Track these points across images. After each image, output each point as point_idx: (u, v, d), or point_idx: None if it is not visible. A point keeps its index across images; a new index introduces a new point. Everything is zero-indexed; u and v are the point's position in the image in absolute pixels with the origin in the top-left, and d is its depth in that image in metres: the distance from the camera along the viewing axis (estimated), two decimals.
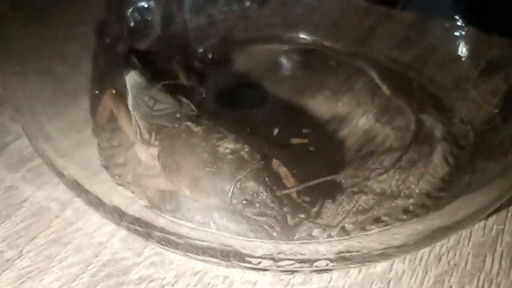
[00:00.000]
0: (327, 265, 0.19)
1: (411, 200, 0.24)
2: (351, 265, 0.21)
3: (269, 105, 0.29)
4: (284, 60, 0.32)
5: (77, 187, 0.22)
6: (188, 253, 0.20)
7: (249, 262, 0.19)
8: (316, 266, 0.19)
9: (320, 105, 0.29)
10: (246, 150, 0.21)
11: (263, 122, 0.25)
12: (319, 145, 0.26)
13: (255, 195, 0.20)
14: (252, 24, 0.33)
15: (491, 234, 0.24)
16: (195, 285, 0.21)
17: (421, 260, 0.23)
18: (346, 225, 0.22)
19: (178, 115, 0.22)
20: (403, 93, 0.30)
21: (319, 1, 0.34)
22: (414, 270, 0.22)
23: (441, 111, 0.29)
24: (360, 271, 0.22)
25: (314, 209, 0.22)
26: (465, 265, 0.23)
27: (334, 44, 0.32)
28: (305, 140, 0.25)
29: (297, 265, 0.19)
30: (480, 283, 0.22)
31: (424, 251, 0.23)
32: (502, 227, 0.25)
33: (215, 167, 0.20)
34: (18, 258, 0.22)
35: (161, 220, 0.20)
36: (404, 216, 0.23)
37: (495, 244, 0.24)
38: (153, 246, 0.22)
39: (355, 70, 0.31)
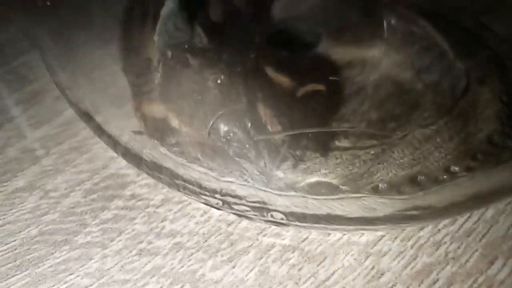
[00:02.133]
0: (282, 219, 0.19)
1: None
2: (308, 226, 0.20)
3: (295, 46, 0.27)
4: None
5: (84, 116, 0.24)
6: (170, 187, 0.21)
7: (210, 196, 0.19)
8: (272, 217, 0.19)
9: (348, 50, 0.27)
10: (235, 89, 0.20)
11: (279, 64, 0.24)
12: (334, 95, 0.24)
13: (231, 135, 0.19)
14: None
15: None
16: (176, 212, 0.22)
17: (416, 242, 0.21)
18: (334, 180, 0.21)
19: (186, 46, 0.23)
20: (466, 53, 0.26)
21: None
22: (402, 252, 0.20)
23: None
24: (341, 237, 0.21)
25: (300, 162, 0.21)
26: (466, 262, 0.20)
27: None
28: (321, 87, 0.23)
29: (251, 212, 0.19)
30: (475, 285, 0.19)
31: (423, 233, 0.21)
32: None
33: (199, 97, 0.20)
34: (45, 157, 0.25)
35: (148, 154, 0.21)
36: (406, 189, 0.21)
37: None
38: None
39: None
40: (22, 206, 0.23)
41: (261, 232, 0.21)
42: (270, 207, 0.19)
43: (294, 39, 0.30)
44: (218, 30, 0.25)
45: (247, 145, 0.19)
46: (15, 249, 0.21)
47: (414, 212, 0.20)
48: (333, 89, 0.25)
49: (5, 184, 0.24)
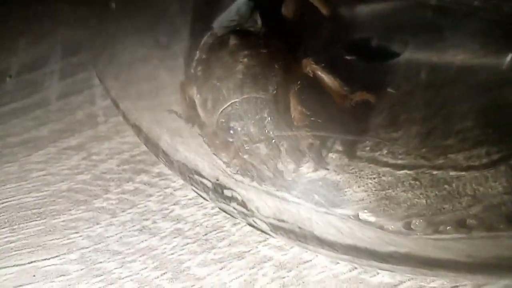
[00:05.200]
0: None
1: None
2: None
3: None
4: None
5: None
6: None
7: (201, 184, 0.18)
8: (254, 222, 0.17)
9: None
10: (264, 76, 0.18)
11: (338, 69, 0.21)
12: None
13: (242, 126, 0.18)
14: None
15: None
16: (190, 199, 0.21)
17: None
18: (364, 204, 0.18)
19: (238, 28, 0.21)
20: None
21: None
22: None
23: None
24: (351, 269, 0.18)
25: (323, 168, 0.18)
26: None
27: None
28: (371, 98, 0.20)
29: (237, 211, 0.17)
30: None
31: None
32: None
33: (220, 82, 0.19)
34: (102, 124, 0.27)
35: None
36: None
37: None
38: None
39: None
40: (65, 162, 0.25)
41: (264, 241, 0.19)
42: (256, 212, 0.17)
43: (378, 48, 0.27)
44: (278, 22, 0.23)
45: (258, 141, 0.17)
46: (44, 198, 0.23)
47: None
48: (386, 102, 0.22)
49: (62, 141, 0.26)
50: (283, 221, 0.16)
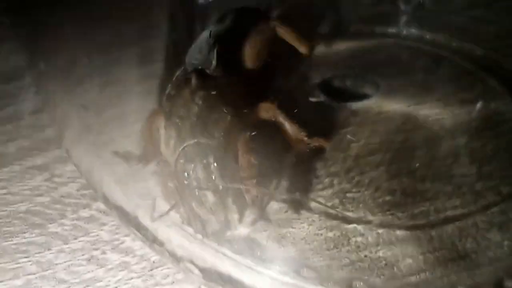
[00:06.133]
0: None
1: None
2: None
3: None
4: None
5: None
6: None
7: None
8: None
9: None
10: (215, 117, 0.19)
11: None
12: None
13: (192, 172, 0.18)
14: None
15: None
16: None
17: None
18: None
19: (199, 67, 0.21)
20: None
21: None
22: None
23: None
24: None
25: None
26: None
27: None
28: (326, 144, 0.20)
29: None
30: None
31: None
32: None
33: (181, 121, 0.19)
34: None
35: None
36: None
37: None
38: None
39: None
40: (28, 182, 0.25)
41: None
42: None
43: (349, 89, 0.27)
44: (234, 64, 0.23)
45: (206, 189, 0.17)
46: (0, 219, 0.23)
47: None
48: (343, 150, 0.22)
49: (28, 159, 0.26)
50: (215, 281, 0.17)
